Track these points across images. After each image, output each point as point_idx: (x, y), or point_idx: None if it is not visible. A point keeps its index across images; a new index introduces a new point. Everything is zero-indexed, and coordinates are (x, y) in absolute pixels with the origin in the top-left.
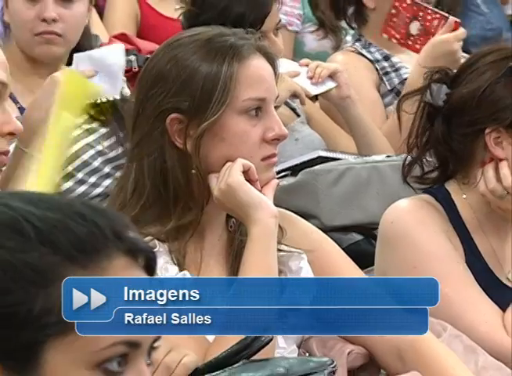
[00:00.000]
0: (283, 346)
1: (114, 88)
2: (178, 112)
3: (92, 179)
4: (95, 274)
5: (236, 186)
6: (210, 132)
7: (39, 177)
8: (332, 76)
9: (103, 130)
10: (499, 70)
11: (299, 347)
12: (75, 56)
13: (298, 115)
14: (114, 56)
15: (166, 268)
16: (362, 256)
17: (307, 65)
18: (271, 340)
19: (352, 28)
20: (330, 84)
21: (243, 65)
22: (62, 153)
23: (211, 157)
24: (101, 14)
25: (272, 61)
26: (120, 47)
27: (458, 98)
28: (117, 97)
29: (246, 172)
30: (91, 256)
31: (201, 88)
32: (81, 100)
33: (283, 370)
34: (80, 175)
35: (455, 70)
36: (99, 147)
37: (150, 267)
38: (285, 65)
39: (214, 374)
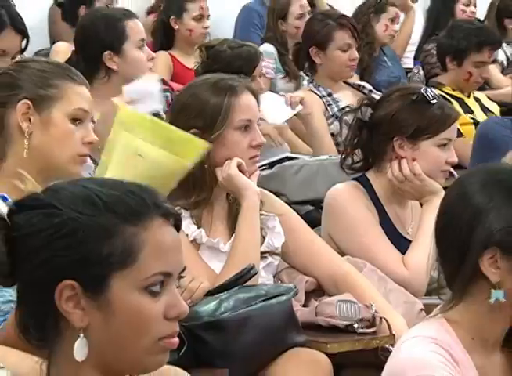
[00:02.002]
0: (263, 276)
1: (156, 103)
2: (197, 128)
3: None
4: (140, 230)
5: (233, 175)
6: (217, 142)
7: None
8: (300, 102)
9: None
10: (404, 101)
11: (274, 277)
12: (124, 88)
13: None
14: (152, 83)
15: (188, 226)
16: (313, 220)
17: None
18: (256, 273)
19: (307, 76)
20: (299, 107)
21: (237, 98)
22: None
23: (217, 157)
24: None
25: (256, 95)
26: (154, 76)
27: (378, 117)
28: (161, 111)
29: (239, 167)
30: (139, 218)
31: (211, 112)
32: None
33: (263, 291)
34: None
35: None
36: None
37: (177, 225)
38: (268, 96)
39: (220, 294)
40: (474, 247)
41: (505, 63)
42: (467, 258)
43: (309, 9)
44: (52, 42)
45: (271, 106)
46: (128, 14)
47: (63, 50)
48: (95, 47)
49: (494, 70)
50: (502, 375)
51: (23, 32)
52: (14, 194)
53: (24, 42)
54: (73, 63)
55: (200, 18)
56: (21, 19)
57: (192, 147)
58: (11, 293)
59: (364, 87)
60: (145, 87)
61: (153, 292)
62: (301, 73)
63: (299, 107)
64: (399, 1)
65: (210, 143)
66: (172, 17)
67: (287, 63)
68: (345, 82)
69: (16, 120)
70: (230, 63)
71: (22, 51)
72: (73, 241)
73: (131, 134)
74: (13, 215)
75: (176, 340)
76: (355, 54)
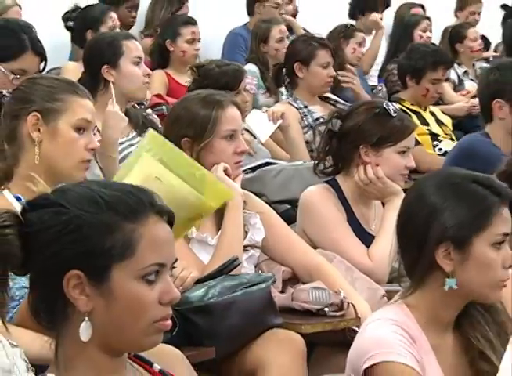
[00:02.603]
0: (246, 267)
1: None
2: (188, 137)
3: None
4: (137, 226)
5: (220, 178)
6: (205, 149)
7: None
8: (281, 116)
9: None
10: (368, 113)
11: (255, 267)
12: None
13: (255, 137)
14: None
15: None
16: (290, 218)
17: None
18: (239, 264)
19: (287, 90)
20: (280, 121)
21: (224, 111)
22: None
23: (206, 162)
24: None
25: (240, 108)
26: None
27: (346, 127)
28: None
29: (225, 170)
30: (137, 216)
31: (200, 123)
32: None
33: (246, 280)
34: None
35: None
36: None
37: (170, 222)
38: (253, 115)
39: (207, 282)
40: (431, 241)
41: (456, 81)
42: (425, 251)
43: (287, 33)
44: None
45: (257, 125)
46: (127, 35)
47: (72, 68)
48: (96, 62)
49: (447, 88)
50: (453, 352)
51: (41, 55)
52: (27, 195)
53: (42, 64)
54: (83, 80)
55: (192, 41)
56: (41, 43)
57: (221, 194)
58: (24, 280)
59: (337, 101)
60: None
61: (149, 281)
62: (281, 89)
63: (279, 121)
64: (371, 21)
65: (200, 150)
66: (168, 40)
67: (268, 80)
68: (319, 97)
69: (27, 130)
70: (218, 79)
71: (40, 71)
72: (79, 236)
73: (155, 157)
74: (26, 213)
75: (169, 322)
76: (333, 72)
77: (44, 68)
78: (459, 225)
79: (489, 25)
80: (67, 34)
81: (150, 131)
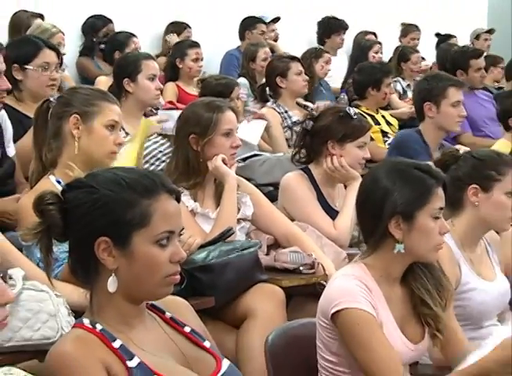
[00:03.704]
0: (239, 235)
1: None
2: (195, 134)
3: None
4: (152, 202)
5: (219, 166)
6: (208, 143)
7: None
8: (261, 117)
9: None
10: (334, 116)
11: (246, 236)
12: (159, 112)
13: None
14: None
15: (188, 201)
16: (273, 197)
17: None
18: (233, 233)
19: (272, 98)
20: (265, 122)
21: (223, 114)
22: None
23: (208, 154)
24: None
25: (235, 112)
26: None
27: (317, 127)
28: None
29: (223, 160)
30: (151, 194)
31: (204, 123)
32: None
33: (239, 245)
34: (151, 161)
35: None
36: (161, 148)
37: (178, 198)
38: (242, 126)
39: (209, 247)
40: (385, 216)
41: (401, 92)
42: (380, 223)
43: (271, 54)
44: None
45: (246, 134)
46: (147, 56)
47: (104, 81)
48: (120, 76)
49: (394, 97)
50: (401, 301)
51: (56, 49)
52: (66, 179)
53: (58, 58)
54: (112, 89)
55: (197, 60)
56: (52, 43)
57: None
58: (66, 246)
59: (307, 106)
60: (171, 114)
61: (162, 245)
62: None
63: (264, 123)
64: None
65: (204, 144)
66: (177, 59)
67: (256, 90)
68: (297, 103)
69: (69, 128)
70: (214, 89)
71: (60, 64)
72: (106, 210)
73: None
74: (65, 193)
75: (178, 277)
76: (305, 77)
77: (61, 62)
78: (406, 203)
79: (426, 48)
80: None
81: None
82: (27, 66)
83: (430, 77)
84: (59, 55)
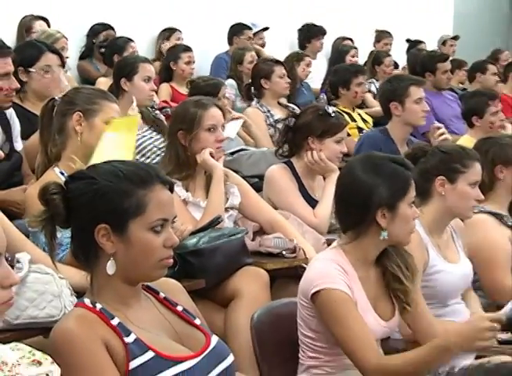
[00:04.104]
0: (227, 222)
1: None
2: (182, 130)
3: (153, 156)
4: (147, 192)
5: (206, 159)
6: (194, 138)
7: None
8: (237, 117)
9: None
10: (314, 114)
11: (234, 223)
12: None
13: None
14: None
15: (180, 191)
16: (258, 188)
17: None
18: (222, 221)
19: (256, 97)
20: (241, 121)
21: (207, 110)
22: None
23: (196, 148)
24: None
25: (221, 109)
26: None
27: (298, 124)
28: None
29: (210, 154)
30: (146, 184)
31: (190, 120)
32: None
33: (227, 232)
34: (147, 154)
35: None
36: (156, 143)
37: (171, 189)
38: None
39: (199, 233)
40: (373, 208)
41: (375, 92)
42: (368, 214)
43: (256, 57)
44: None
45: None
46: (144, 59)
47: (103, 82)
48: (119, 76)
49: (369, 97)
50: (374, 282)
51: (57, 52)
52: (68, 171)
53: (60, 61)
54: (111, 89)
55: (189, 63)
56: (55, 47)
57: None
58: (69, 232)
59: (289, 106)
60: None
61: (156, 231)
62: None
63: (241, 121)
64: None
65: (192, 139)
66: (171, 62)
67: (242, 91)
68: (278, 103)
69: (72, 124)
70: (202, 89)
71: (62, 66)
72: (105, 199)
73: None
74: (68, 184)
75: (171, 261)
76: (288, 80)
77: (63, 63)
78: (390, 195)
79: (398, 52)
80: None
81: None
82: (30, 69)
83: (392, 79)
84: (62, 58)
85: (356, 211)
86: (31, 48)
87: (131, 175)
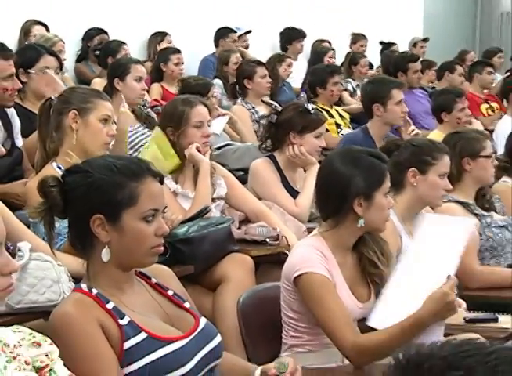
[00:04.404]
0: (214, 212)
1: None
2: (171, 127)
3: None
4: (139, 184)
5: (194, 154)
6: (182, 134)
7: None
8: (224, 114)
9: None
10: (295, 111)
11: (220, 213)
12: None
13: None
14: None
15: (170, 183)
16: (243, 180)
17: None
18: (210, 211)
19: (241, 96)
20: (226, 117)
21: (194, 108)
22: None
23: (184, 143)
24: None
25: (207, 107)
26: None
27: (280, 120)
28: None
29: (197, 148)
30: (138, 177)
31: (177, 117)
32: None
33: (214, 221)
34: (140, 149)
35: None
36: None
37: (161, 181)
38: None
39: (188, 222)
40: (350, 197)
41: (352, 91)
42: (346, 203)
43: (241, 59)
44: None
45: (212, 126)
46: (136, 61)
47: (98, 82)
48: (112, 77)
49: (346, 95)
50: (352, 266)
51: (55, 55)
52: (65, 165)
53: (58, 63)
54: (105, 89)
55: (178, 64)
56: (53, 50)
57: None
58: (66, 223)
59: (272, 103)
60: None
61: (148, 221)
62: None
63: (227, 117)
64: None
65: (179, 135)
66: (162, 63)
67: (228, 90)
68: (262, 101)
69: (68, 122)
70: (193, 88)
71: (60, 68)
72: (100, 192)
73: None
74: (65, 177)
75: (162, 248)
76: (269, 80)
77: (61, 66)
78: (367, 185)
79: (372, 54)
80: None
81: (156, 129)
82: (30, 71)
83: (375, 81)
84: (59, 60)
85: (335, 200)
86: (31, 50)
87: (124, 168)
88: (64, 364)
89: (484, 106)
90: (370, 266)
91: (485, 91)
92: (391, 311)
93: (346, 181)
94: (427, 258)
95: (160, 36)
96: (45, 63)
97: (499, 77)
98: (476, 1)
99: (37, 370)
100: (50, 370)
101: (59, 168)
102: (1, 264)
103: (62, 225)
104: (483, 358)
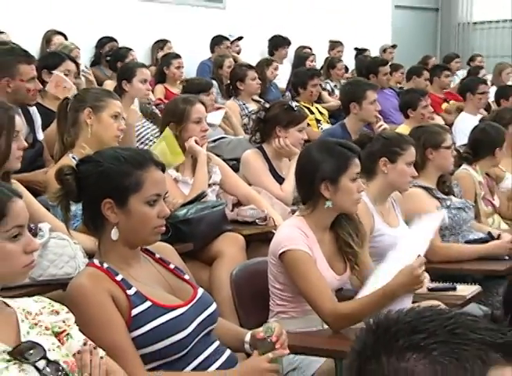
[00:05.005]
0: (210, 196)
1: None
2: (173, 122)
3: (150, 143)
4: (143, 172)
5: (192, 146)
6: (183, 129)
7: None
8: (219, 108)
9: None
10: (281, 108)
11: (216, 197)
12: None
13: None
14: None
15: (172, 171)
16: (236, 169)
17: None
18: (206, 195)
19: (233, 94)
20: (223, 111)
21: (193, 106)
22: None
23: (184, 136)
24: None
25: (204, 105)
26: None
27: (268, 116)
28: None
29: (195, 141)
30: (143, 166)
31: (179, 114)
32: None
33: (210, 204)
34: (146, 142)
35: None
36: (152, 132)
37: (163, 169)
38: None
39: (188, 205)
40: (317, 181)
41: (330, 91)
42: (314, 187)
43: (233, 63)
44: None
45: (212, 118)
46: (142, 65)
47: (109, 84)
48: (121, 79)
49: (325, 94)
50: (329, 244)
51: (75, 61)
52: (80, 156)
53: (76, 69)
54: (116, 89)
55: (179, 67)
56: (73, 57)
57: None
58: (81, 206)
59: (260, 101)
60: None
61: (151, 204)
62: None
63: (223, 111)
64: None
65: (181, 129)
66: (164, 67)
67: (222, 90)
68: (252, 99)
69: (83, 118)
70: (196, 86)
71: (78, 73)
72: (109, 179)
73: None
74: (79, 166)
75: (164, 228)
76: (259, 81)
77: (79, 71)
78: (332, 170)
79: (348, 58)
80: None
81: (167, 129)
82: (53, 72)
83: (353, 83)
84: (78, 66)
85: (306, 183)
86: (55, 56)
87: (130, 158)
88: (79, 330)
89: (444, 105)
90: (346, 247)
91: (444, 90)
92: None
93: (315, 167)
94: (408, 248)
95: (161, 43)
96: (66, 67)
97: (457, 79)
98: (436, 14)
99: (56, 334)
100: (67, 334)
101: (74, 158)
102: (25, 243)
103: (77, 208)
104: (443, 322)
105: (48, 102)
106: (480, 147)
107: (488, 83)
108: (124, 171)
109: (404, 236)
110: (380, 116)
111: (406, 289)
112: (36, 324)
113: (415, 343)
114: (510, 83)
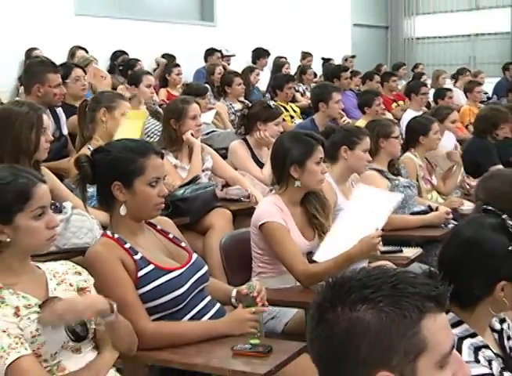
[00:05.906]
0: (203, 179)
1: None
2: (173, 119)
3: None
4: (146, 160)
5: (189, 137)
6: (181, 125)
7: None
8: (211, 108)
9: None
10: (261, 107)
11: (208, 179)
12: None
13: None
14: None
15: (172, 158)
16: (225, 156)
17: (210, 109)
18: (200, 178)
19: (222, 96)
20: (214, 111)
21: (190, 105)
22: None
23: (182, 130)
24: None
25: (199, 104)
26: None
27: (250, 113)
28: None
29: (191, 134)
30: (145, 154)
31: (178, 112)
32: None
33: (203, 185)
34: (151, 135)
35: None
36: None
37: (162, 157)
38: (207, 113)
39: (184, 186)
40: (287, 164)
41: (302, 92)
42: (284, 170)
43: (223, 70)
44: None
45: (204, 117)
46: (147, 72)
47: (122, 88)
48: (130, 84)
49: (298, 95)
50: (301, 216)
51: (82, 68)
52: (94, 146)
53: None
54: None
55: (178, 74)
56: (80, 65)
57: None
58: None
59: (244, 101)
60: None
61: (152, 186)
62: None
63: (214, 111)
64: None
65: (180, 125)
66: (166, 74)
67: (214, 92)
68: (238, 100)
69: (100, 116)
70: (195, 89)
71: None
72: (117, 165)
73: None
74: (93, 155)
75: (163, 205)
76: (243, 86)
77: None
78: (299, 155)
79: (316, 66)
80: None
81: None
82: (65, 81)
83: (321, 86)
84: (85, 71)
85: (278, 167)
86: (64, 66)
87: (135, 148)
88: (95, 287)
89: (394, 105)
90: (314, 218)
91: (393, 92)
92: (330, 250)
93: (286, 153)
94: (360, 214)
95: (166, 55)
96: (75, 74)
97: (404, 82)
98: (387, 31)
99: (79, 290)
100: (89, 291)
101: (89, 149)
102: (48, 220)
103: (94, 190)
104: (387, 279)
105: (69, 100)
106: (409, 137)
107: (428, 86)
108: (130, 158)
109: (353, 202)
110: (343, 113)
111: (364, 254)
112: (62, 281)
113: (364, 296)
114: (445, 86)
